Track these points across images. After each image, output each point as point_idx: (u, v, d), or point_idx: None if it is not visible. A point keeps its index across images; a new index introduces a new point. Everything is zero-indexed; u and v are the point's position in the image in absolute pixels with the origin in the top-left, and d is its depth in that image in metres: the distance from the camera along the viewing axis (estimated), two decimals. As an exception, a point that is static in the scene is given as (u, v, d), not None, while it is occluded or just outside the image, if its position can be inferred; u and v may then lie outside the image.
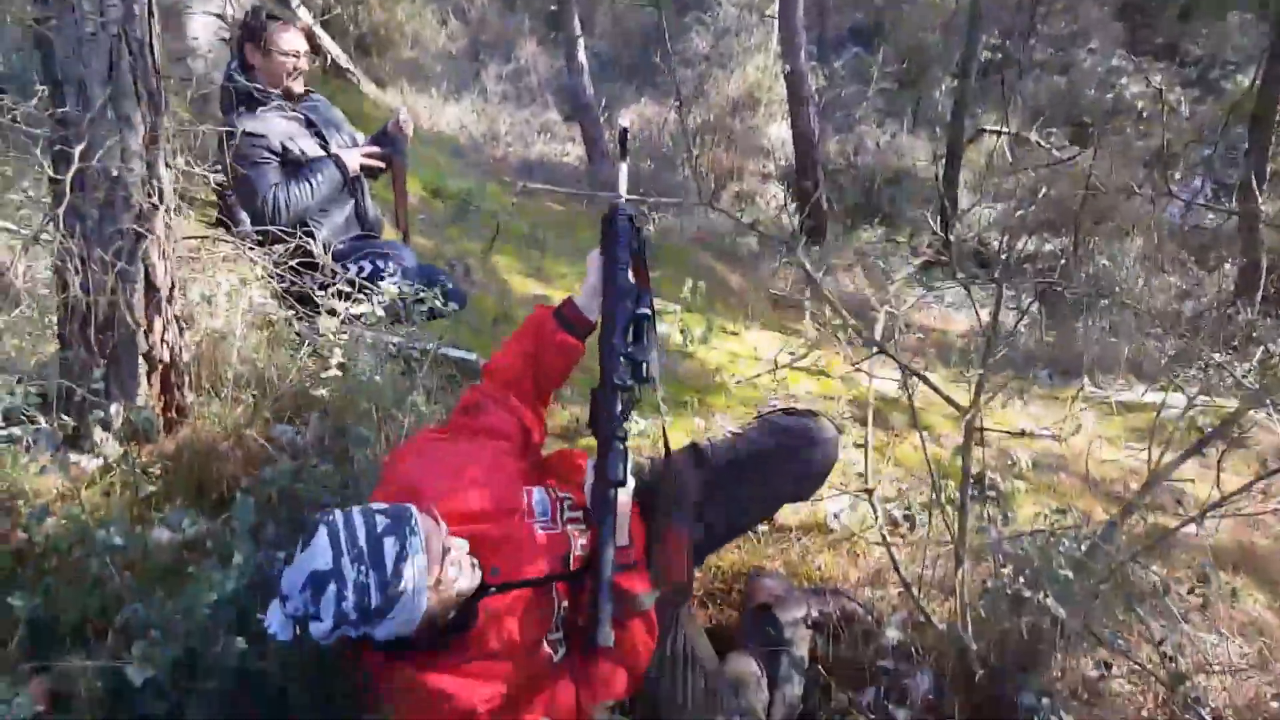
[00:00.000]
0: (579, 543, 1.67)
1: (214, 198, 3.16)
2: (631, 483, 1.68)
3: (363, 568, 1.36)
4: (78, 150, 1.74)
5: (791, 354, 3.51)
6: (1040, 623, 1.56)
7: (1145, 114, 7.91)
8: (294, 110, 2.98)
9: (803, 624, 1.96)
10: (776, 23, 7.70)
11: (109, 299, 1.89)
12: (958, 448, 1.64)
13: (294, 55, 2.94)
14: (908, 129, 9.47)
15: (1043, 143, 7.62)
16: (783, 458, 1.94)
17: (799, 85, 7.20)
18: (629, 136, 1.92)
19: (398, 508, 1.45)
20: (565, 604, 1.63)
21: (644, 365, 1.73)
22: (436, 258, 4.31)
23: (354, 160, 3.02)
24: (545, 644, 1.59)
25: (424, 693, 1.46)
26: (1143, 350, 4.56)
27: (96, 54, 1.78)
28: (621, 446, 1.66)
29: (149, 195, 1.90)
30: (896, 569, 1.63)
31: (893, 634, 1.73)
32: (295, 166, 2.91)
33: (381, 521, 1.41)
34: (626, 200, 1.86)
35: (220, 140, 2.72)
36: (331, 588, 1.35)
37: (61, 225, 1.83)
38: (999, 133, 7.75)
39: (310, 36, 3.05)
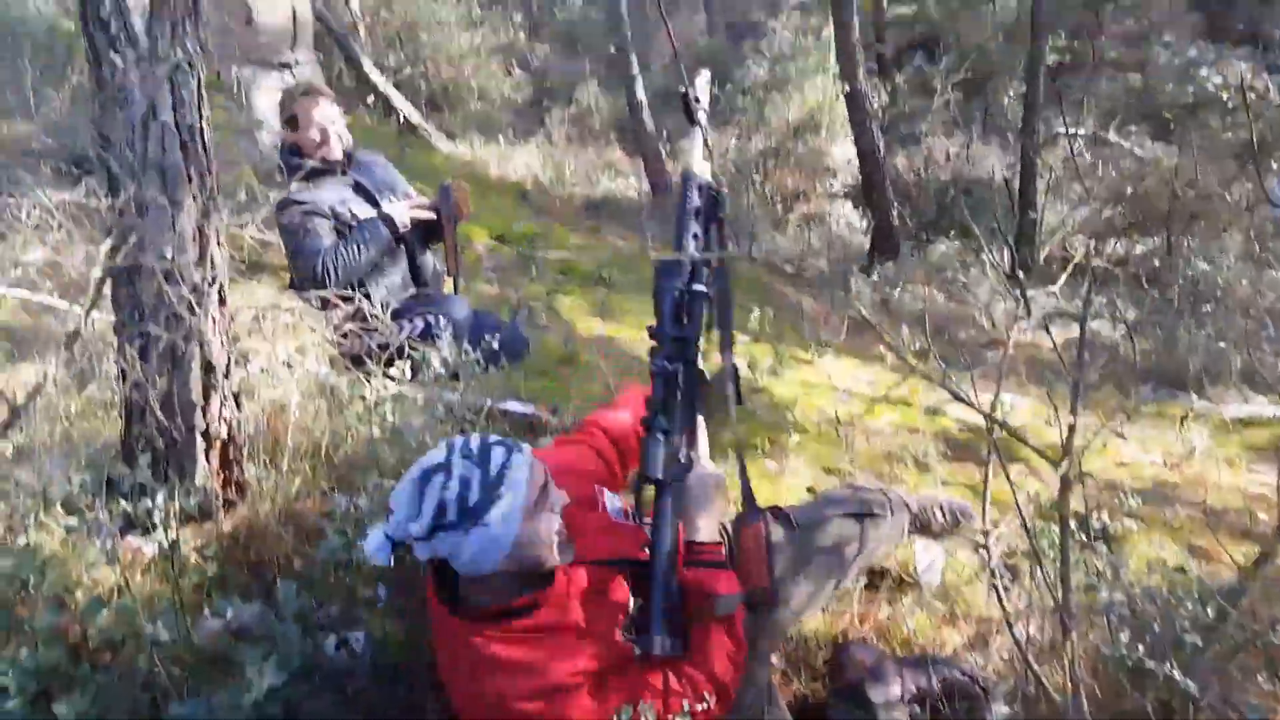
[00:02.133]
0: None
1: (286, 263, 3.24)
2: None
3: (470, 463, 1.45)
4: (132, 235, 1.80)
5: (870, 384, 3.38)
6: (1169, 698, 1.41)
7: (1231, 104, 7.51)
8: (344, 176, 3.04)
9: (899, 702, 1.84)
10: (833, 44, 7.60)
11: (166, 379, 1.93)
12: (1054, 501, 1.52)
13: (321, 126, 3.00)
14: (978, 138, 9.21)
15: (1123, 141, 7.30)
16: (852, 532, 1.89)
17: (860, 104, 7.07)
18: (696, 99, 1.85)
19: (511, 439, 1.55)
20: (640, 602, 1.59)
21: (693, 343, 1.69)
22: (501, 303, 4.33)
23: (402, 215, 3.05)
24: (621, 636, 1.56)
25: (506, 664, 1.46)
26: (1257, 357, 4.25)
27: (149, 141, 1.84)
28: (660, 438, 1.62)
29: (202, 276, 1.94)
30: (1011, 630, 1.48)
31: (1001, 709, 1.59)
32: (348, 229, 2.97)
33: (495, 438, 1.52)
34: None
35: (278, 209, 2.82)
36: (438, 478, 1.44)
37: (120, 309, 1.89)
38: (1075, 134, 7.46)
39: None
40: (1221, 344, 4.14)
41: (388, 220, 3.00)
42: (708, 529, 1.67)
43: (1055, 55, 9.72)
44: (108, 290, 1.91)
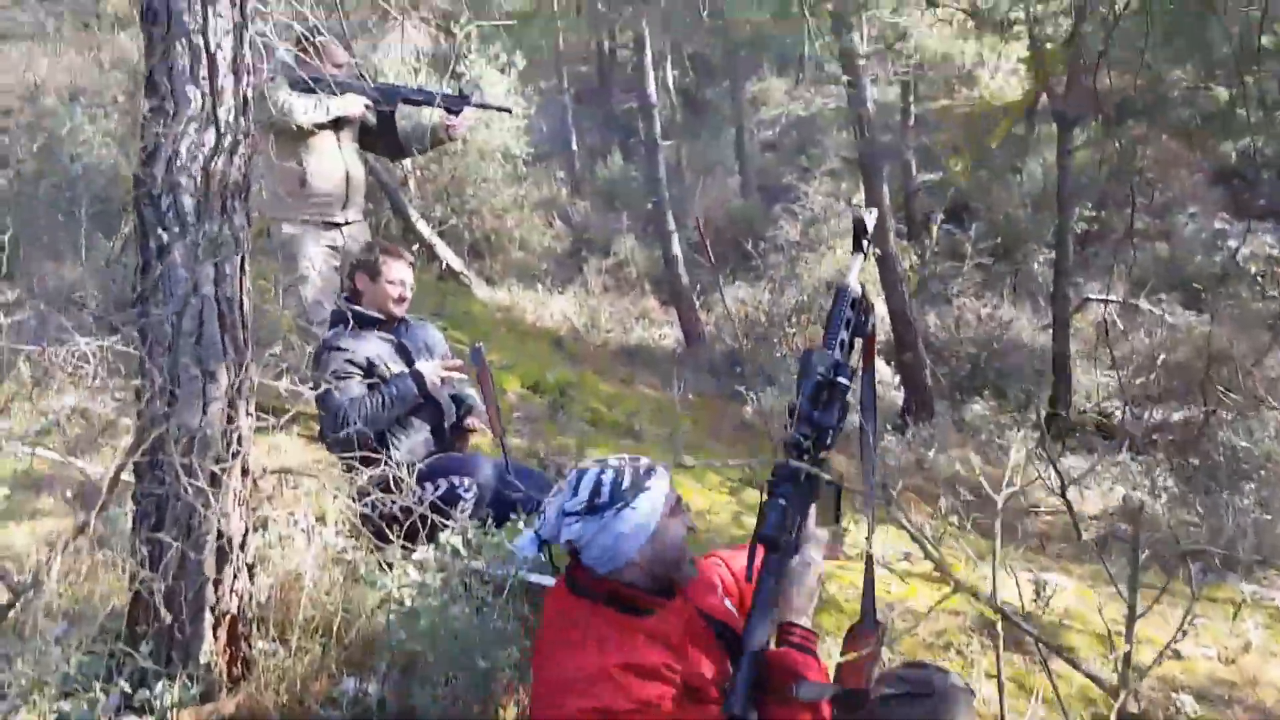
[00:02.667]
0: None
1: (317, 412, 3.29)
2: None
3: (623, 462, 1.71)
4: (160, 403, 1.81)
5: (909, 557, 3.29)
6: None
7: (1260, 276, 7.61)
8: (388, 335, 3.12)
9: None
10: (864, 209, 7.88)
11: (179, 552, 1.89)
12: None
13: (399, 284, 3.13)
14: (1009, 301, 9.36)
15: (1154, 309, 7.38)
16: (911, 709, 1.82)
17: (890, 266, 7.27)
18: (866, 230, 2.02)
19: None
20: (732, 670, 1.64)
21: (828, 432, 1.78)
22: (530, 456, 4.34)
23: (432, 373, 3.08)
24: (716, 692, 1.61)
25: (614, 642, 1.58)
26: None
27: (188, 315, 1.86)
28: (782, 503, 1.69)
29: (227, 447, 1.93)
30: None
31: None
32: (380, 383, 3.01)
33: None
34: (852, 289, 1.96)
35: (317, 353, 2.88)
36: (594, 470, 1.69)
37: (141, 478, 1.87)
38: (1106, 301, 7.57)
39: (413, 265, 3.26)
40: (1268, 517, 4.01)
41: (417, 376, 3.04)
42: (803, 613, 1.72)
43: (1083, 224, 9.99)
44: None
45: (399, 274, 3.15)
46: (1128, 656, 1.28)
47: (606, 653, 1.57)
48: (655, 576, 1.69)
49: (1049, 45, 8.33)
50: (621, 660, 1.56)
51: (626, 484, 1.67)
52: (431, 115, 4.00)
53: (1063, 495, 1.77)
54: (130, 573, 1.97)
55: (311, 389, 2.60)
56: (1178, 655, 2.63)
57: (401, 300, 3.17)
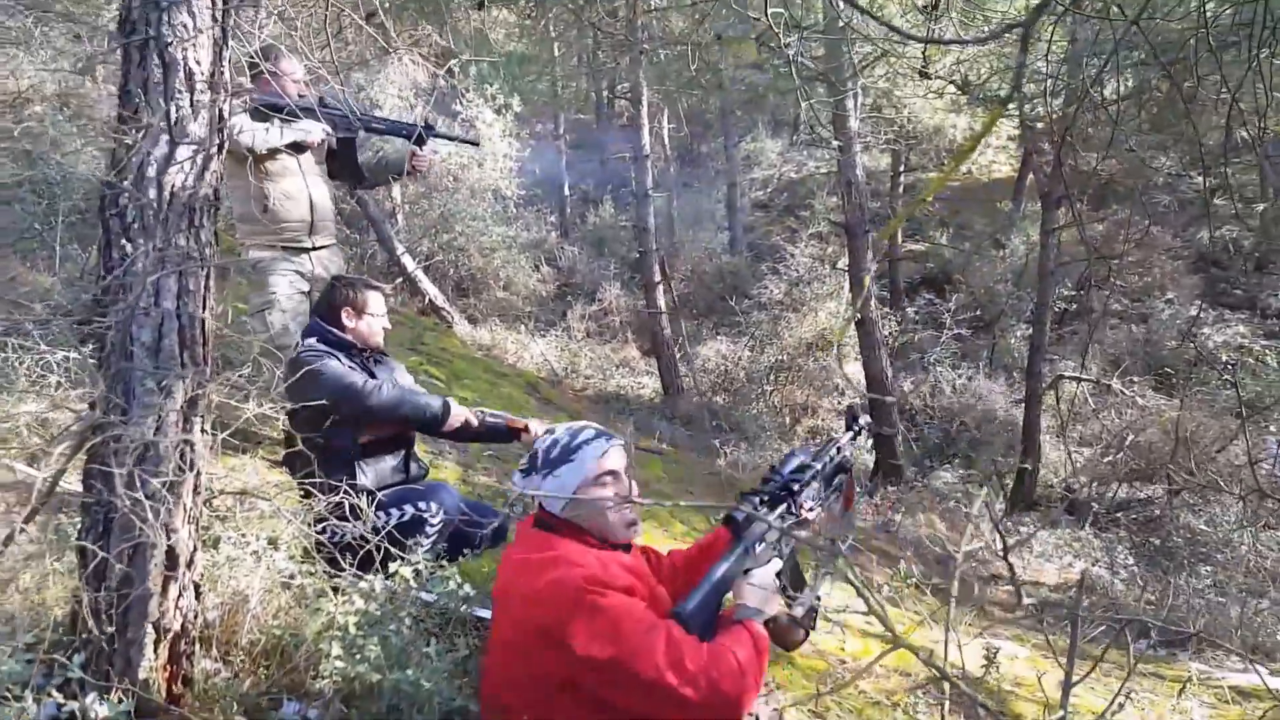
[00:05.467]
0: None
1: (281, 437, 3.24)
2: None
3: (568, 430, 2.01)
4: (108, 419, 1.76)
5: (865, 614, 3.28)
6: None
7: (1230, 364, 7.74)
8: (359, 365, 3.09)
9: None
10: (847, 274, 7.99)
11: (124, 565, 1.84)
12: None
13: (383, 316, 3.12)
14: (984, 373, 9.47)
15: (1125, 390, 7.48)
16: None
17: (870, 331, 7.35)
18: (857, 420, 2.33)
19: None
20: None
21: (792, 495, 2.05)
22: (497, 496, 4.31)
23: (460, 412, 3.04)
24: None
25: (572, 558, 1.80)
26: (1257, 618, 4.14)
27: (147, 326, 1.83)
28: (759, 503, 2.00)
29: (180, 462, 1.89)
30: None
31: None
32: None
33: (597, 428, 2.03)
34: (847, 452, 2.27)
35: (291, 362, 2.85)
36: (545, 437, 2.00)
37: (90, 487, 1.82)
38: (1079, 379, 7.67)
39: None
40: (1222, 599, 4.04)
41: (446, 407, 3.01)
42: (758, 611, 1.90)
43: (1062, 303, 10.16)
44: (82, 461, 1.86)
45: (382, 307, 3.15)
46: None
47: (585, 556, 1.82)
48: (599, 528, 1.93)
49: (1039, 125, 8.57)
50: (598, 564, 1.80)
51: (556, 454, 1.95)
52: (398, 146, 3.99)
53: (1005, 557, 1.78)
54: (71, 586, 1.94)
55: (289, 398, 2.56)
56: (1116, 727, 2.62)
57: (385, 331, 3.17)
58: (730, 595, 1.92)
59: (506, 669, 1.84)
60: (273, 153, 3.64)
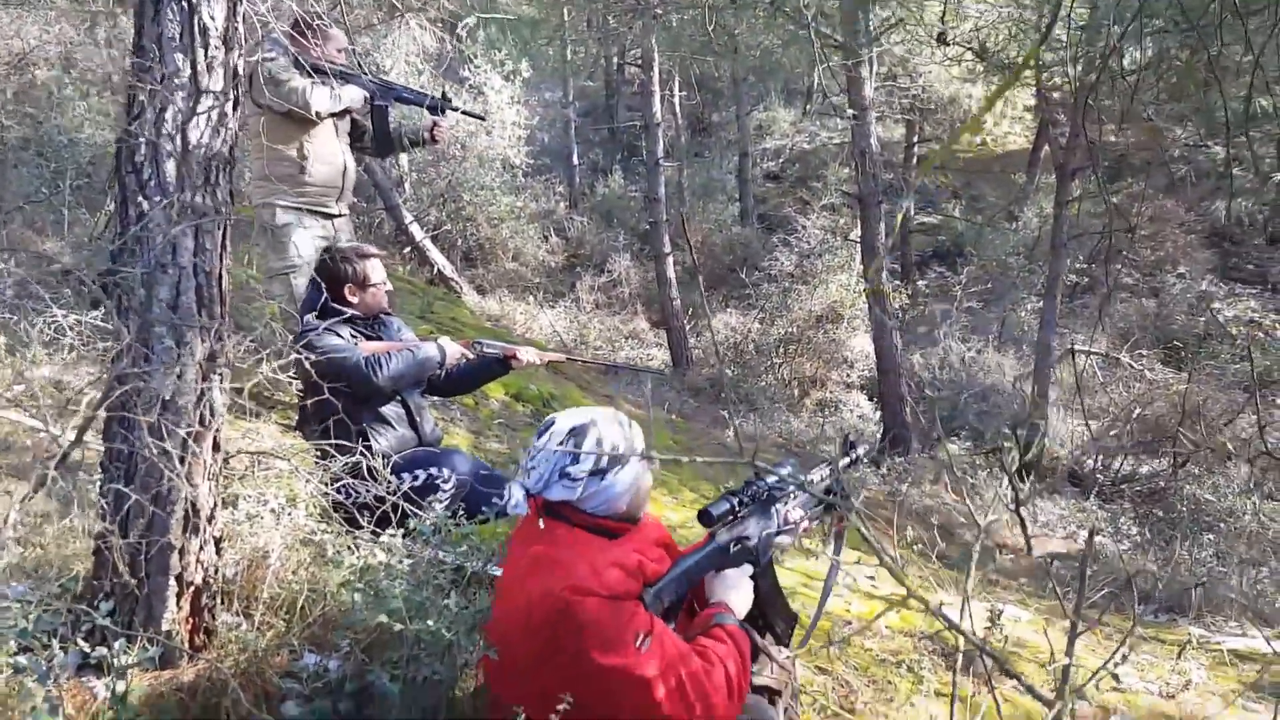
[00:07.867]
0: None
1: (296, 401, 3.28)
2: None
3: (608, 422, 1.89)
4: (132, 370, 1.79)
5: (871, 578, 3.32)
6: None
7: (1240, 338, 7.71)
8: (369, 332, 3.12)
9: None
10: (859, 246, 7.96)
11: (147, 519, 1.89)
12: None
13: (384, 283, 3.14)
14: (994, 346, 9.45)
15: (1134, 364, 7.47)
16: None
17: (880, 304, 7.33)
18: (854, 450, 2.29)
19: None
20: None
21: (768, 510, 2.04)
22: (510, 462, 4.35)
23: (454, 351, 3.12)
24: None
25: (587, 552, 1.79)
26: (1258, 586, 4.17)
27: (165, 282, 1.85)
28: (731, 500, 1.96)
29: (199, 419, 1.92)
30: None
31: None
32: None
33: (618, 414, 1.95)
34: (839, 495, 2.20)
35: (300, 336, 2.88)
36: (590, 435, 1.85)
37: (111, 442, 1.85)
38: (1088, 352, 7.65)
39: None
40: (1223, 568, 4.07)
41: (441, 350, 3.08)
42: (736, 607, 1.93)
43: (1073, 276, 10.11)
44: (103, 415, 1.89)
45: (381, 273, 3.17)
46: (1066, 670, 1.31)
47: (597, 556, 1.80)
48: (628, 513, 1.92)
49: (1055, 95, 8.48)
50: (595, 565, 1.78)
51: (623, 448, 1.89)
52: (422, 115, 4.05)
53: (1016, 511, 1.80)
54: (95, 532, 1.97)
55: (309, 360, 2.58)
56: (1117, 679, 2.67)
57: (388, 304, 3.20)
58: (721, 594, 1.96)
59: (504, 663, 1.86)
60: (321, 116, 3.68)
